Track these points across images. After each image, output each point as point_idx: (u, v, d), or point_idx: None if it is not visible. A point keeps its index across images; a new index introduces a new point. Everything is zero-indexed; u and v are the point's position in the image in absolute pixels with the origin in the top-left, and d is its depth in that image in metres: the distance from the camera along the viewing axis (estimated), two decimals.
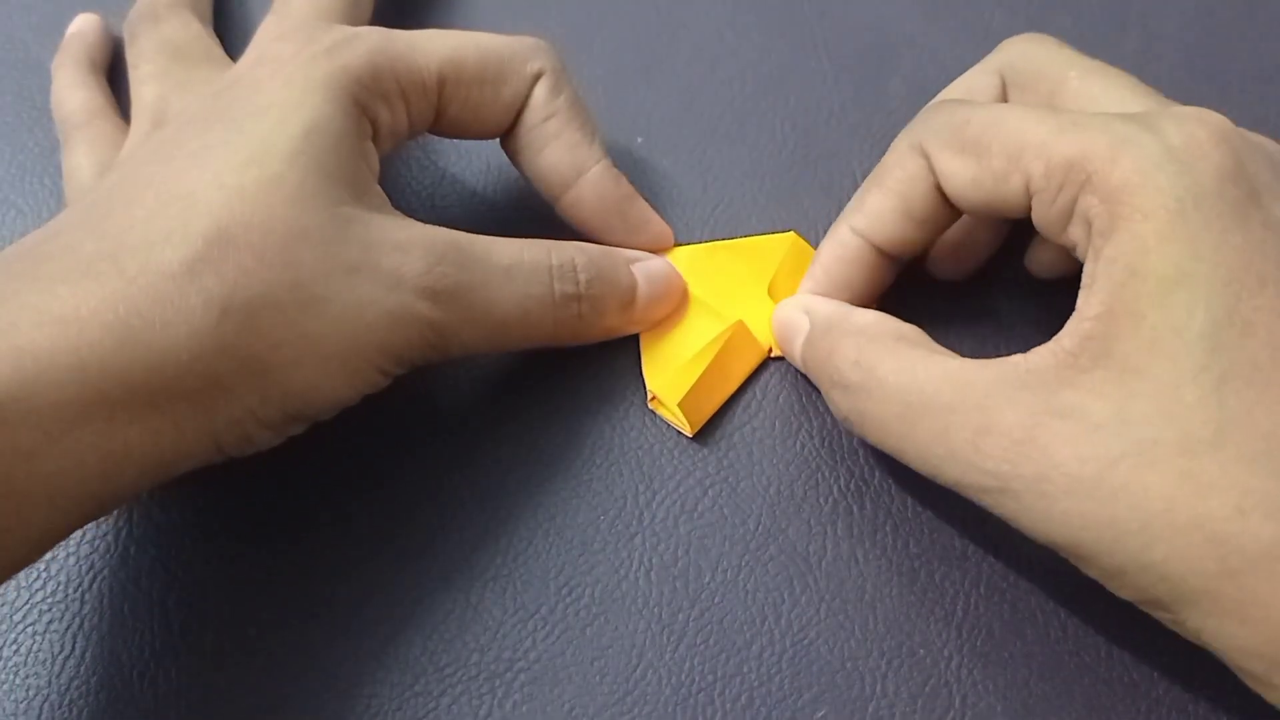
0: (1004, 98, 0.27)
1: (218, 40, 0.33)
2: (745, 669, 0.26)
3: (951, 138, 0.24)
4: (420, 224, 0.26)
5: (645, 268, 0.29)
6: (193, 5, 0.33)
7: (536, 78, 0.28)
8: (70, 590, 0.27)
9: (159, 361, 0.22)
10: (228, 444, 0.24)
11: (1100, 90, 0.25)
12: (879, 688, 0.25)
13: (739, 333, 0.29)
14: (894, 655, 0.26)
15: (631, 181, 0.30)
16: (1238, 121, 0.23)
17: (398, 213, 0.26)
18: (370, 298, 0.24)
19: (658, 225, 0.30)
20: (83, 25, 0.34)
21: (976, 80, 0.28)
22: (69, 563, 0.27)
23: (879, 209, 0.26)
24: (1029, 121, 0.23)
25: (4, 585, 0.27)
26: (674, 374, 0.28)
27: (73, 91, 0.32)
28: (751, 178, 0.32)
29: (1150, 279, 0.21)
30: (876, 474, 0.28)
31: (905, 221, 0.26)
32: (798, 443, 0.28)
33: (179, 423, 0.23)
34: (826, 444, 0.28)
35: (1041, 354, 0.22)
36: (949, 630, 0.26)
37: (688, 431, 0.28)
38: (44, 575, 0.27)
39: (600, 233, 0.29)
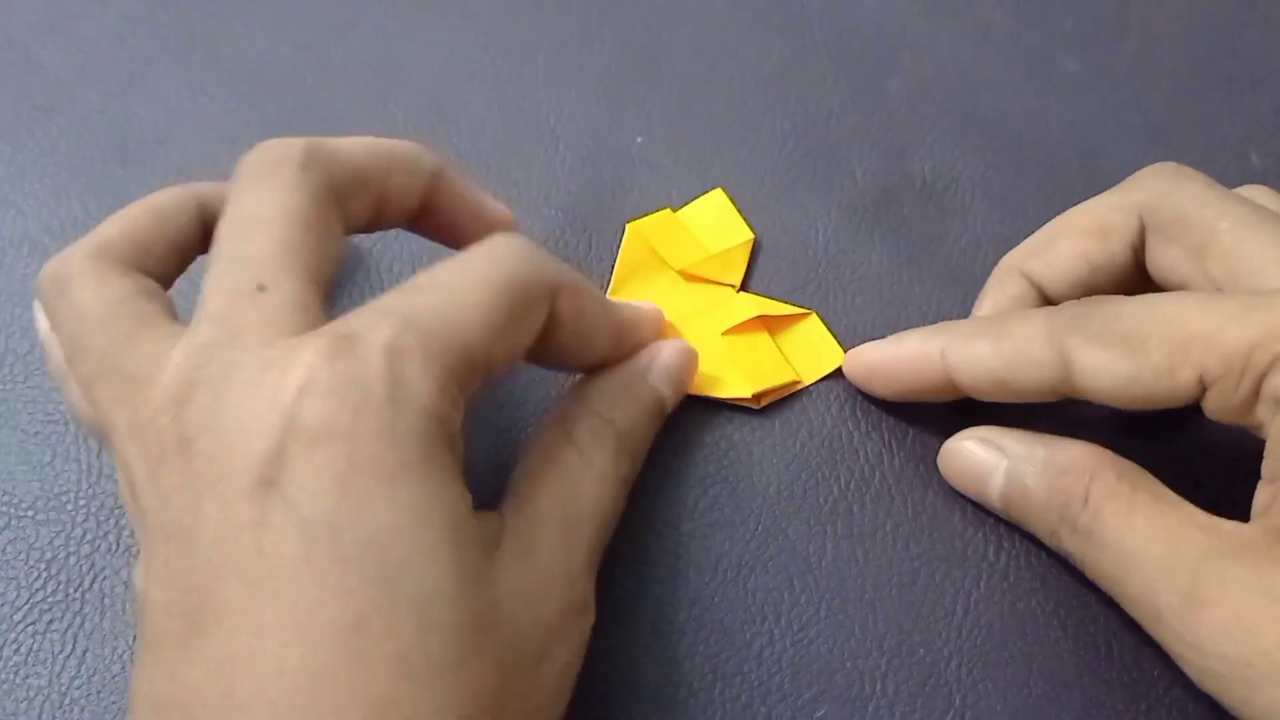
0: (1142, 241, 0.25)
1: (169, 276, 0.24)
2: (745, 669, 0.26)
3: (1099, 332, 0.23)
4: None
5: (662, 371, 0.27)
6: (121, 250, 0.23)
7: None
8: (70, 590, 0.27)
9: None
10: None
11: (1257, 249, 0.23)
12: (879, 688, 0.25)
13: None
14: (894, 655, 0.26)
15: (631, 181, 0.30)
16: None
17: None
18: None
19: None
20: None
21: (1112, 217, 0.26)
22: (69, 563, 0.27)
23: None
24: (1191, 310, 0.21)
25: (4, 585, 0.27)
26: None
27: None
28: (751, 178, 0.32)
29: None
30: (876, 474, 0.28)
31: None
32: (798, 443, 0.28)
33: None
34: (826, 444, 0.28)
35: (1254, 528, 0.22)
36: (949, 630, 0.26)
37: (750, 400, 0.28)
38: (44, 575, 0.27)
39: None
